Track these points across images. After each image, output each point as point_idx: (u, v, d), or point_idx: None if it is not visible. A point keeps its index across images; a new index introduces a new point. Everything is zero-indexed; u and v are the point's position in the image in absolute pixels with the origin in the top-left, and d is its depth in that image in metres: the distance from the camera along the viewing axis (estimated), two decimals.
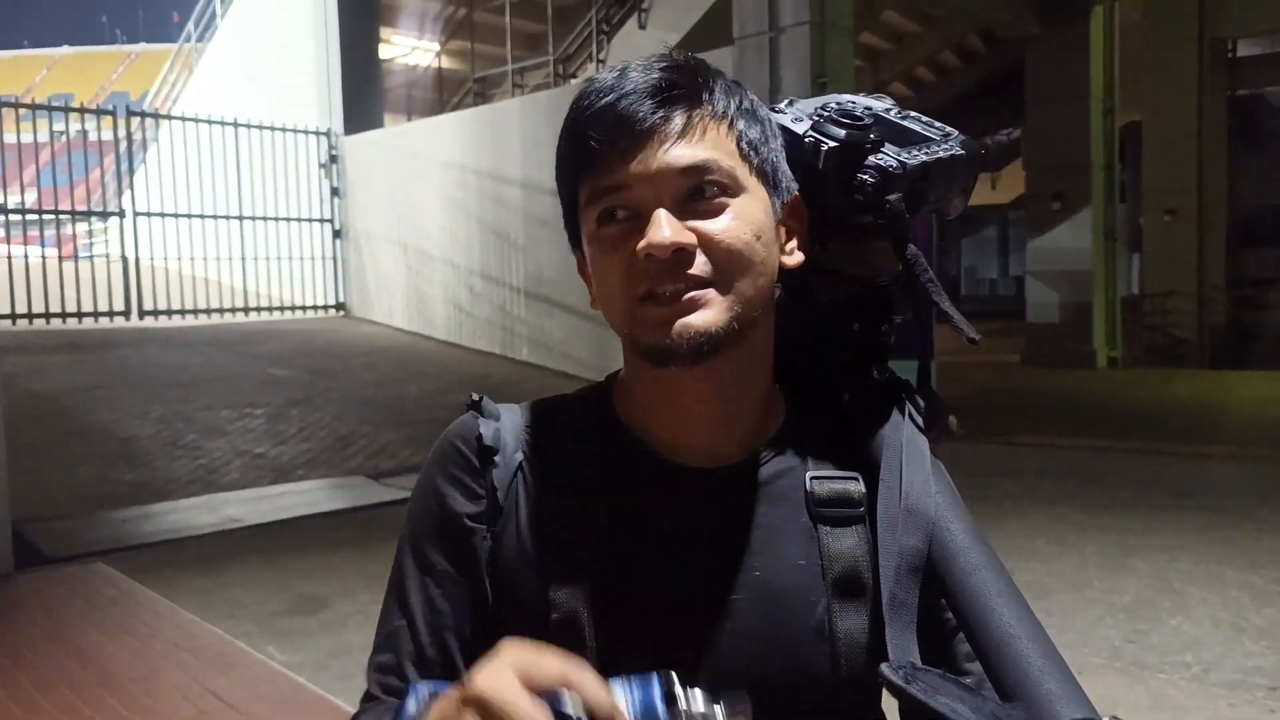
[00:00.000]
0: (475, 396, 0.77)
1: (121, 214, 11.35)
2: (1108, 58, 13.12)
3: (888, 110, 0.80)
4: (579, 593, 0.68)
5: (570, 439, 0.75)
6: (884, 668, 0.59)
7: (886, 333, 0.80)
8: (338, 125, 12.35)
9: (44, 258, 10.87)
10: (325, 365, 9.47)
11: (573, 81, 12.23)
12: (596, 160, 0.69)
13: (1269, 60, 16.92)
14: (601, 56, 12.15)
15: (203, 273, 11.88)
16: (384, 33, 14.84)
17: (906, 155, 0.73)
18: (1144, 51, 14.84)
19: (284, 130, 11.90)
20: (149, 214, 11.32)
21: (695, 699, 0.52)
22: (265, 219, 11.87)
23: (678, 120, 0.68)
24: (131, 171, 11.61)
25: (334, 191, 12.43)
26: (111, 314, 10.69)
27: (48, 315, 10.11)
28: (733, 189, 0.69)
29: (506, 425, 0.76)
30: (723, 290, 0.68)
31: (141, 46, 56.94)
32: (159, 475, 6.27)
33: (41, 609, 4.10)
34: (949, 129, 0.78)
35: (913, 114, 0.80)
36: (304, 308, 12.25)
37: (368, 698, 0.74)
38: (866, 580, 0.70)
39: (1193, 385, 11.12)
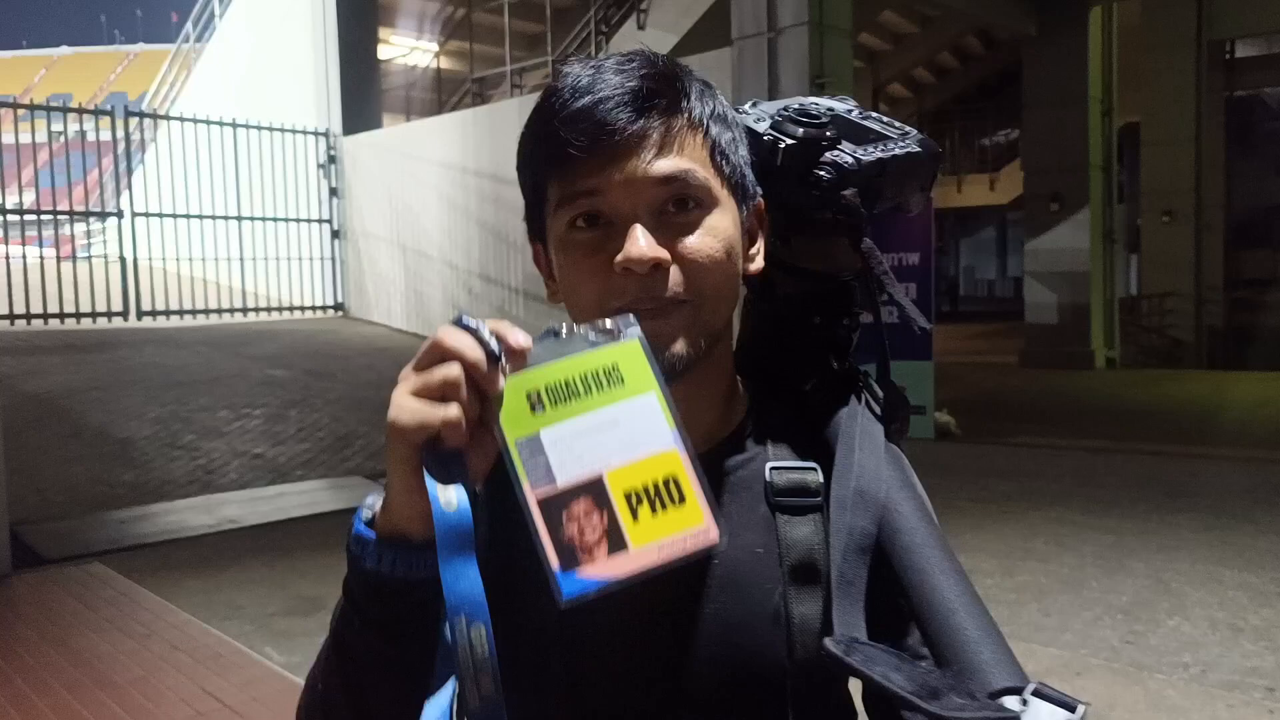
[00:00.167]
0: None
1: (120, 214, 11.34)
2: (1105, 59, 13.14)
3: (849, 111, 0.81)
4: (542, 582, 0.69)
5: None
6: (826, 642, 0.61)
7: (847, 326, 0.81)
8: (336, 126, 12.35)
9: (42, 258, 10.87)
10: (324, 366, 9.47)
11: None
12: (571, 163, 0.68)
13: (1267, 61, 16.95)
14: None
15: (201, 273, 11.88)
16: (382, 33, 14.84)
17: (863, 152, 0.75)
18: (1142, 53, 14.86)
19: (282, 131, 11.90)
20: (147, 214, 11.31)
21: (580, 326, 0.59)
22: (264, 219, 11.87)
23: (657, 130, 0.69)
24: (130, 172, 11.60)
25: (332, 192, 12.43)
26: (110, 314, 10.68)
27: (46, 316, 10.11)
28: (707, 202, 0.70)
29: None
30: (695, 309, 0.69)
31: (140, 47, 56.93)
32: (157, 476, 6.27)
33: (38, 610, 4.10)
34: (908, 128, 0.80)
35: (873, 114, 0.81)
36: (302, 308, 12.24)
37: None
38: (822, 567, 0.71)
39: (1190, 386, 11.14)
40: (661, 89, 0.69)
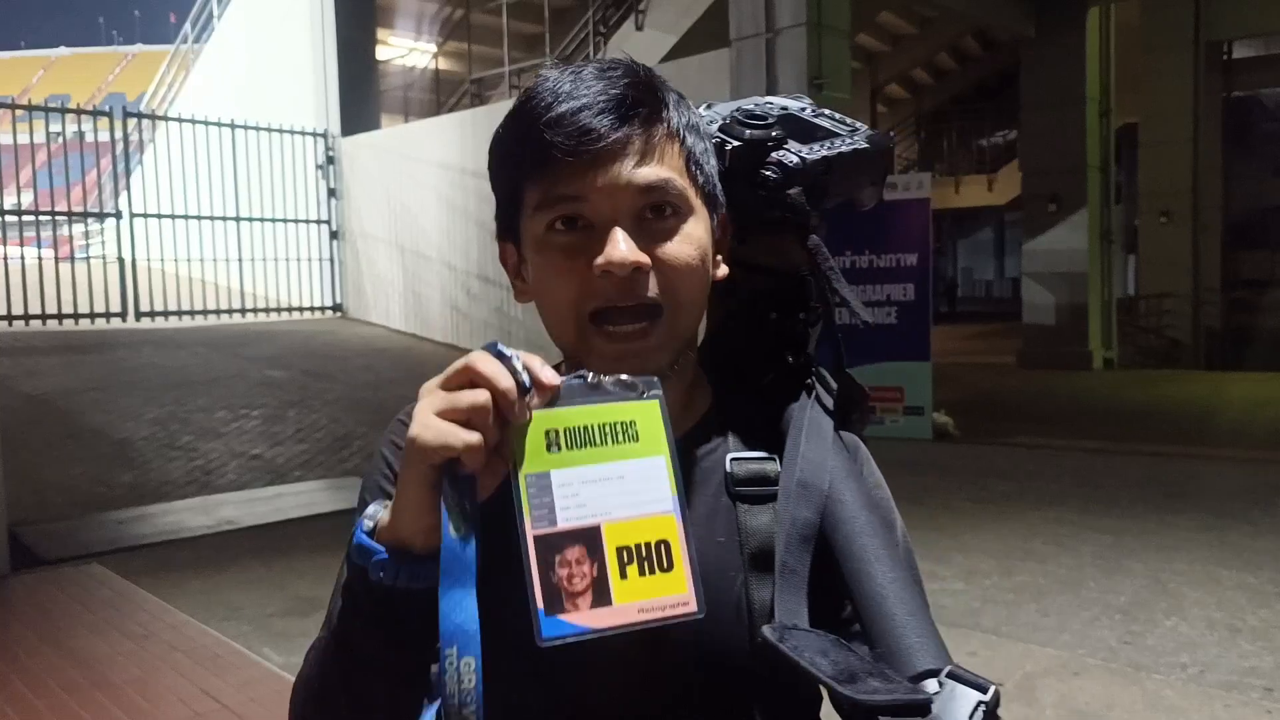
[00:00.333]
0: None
1: (118, 215, 11.33)
2: (1103, 60, 13.15)
3: (802, 109, 0.83)
4: (511, 573, 0.70)
5: None
6: (764, 629, 0.64)
7: (803, 321, 0.83)
8: (335, 126, 12.35)
9: (40, 259, 10.85)
10: (322, 367, 9.47)
11: None
12: (552, 167, 0.69)
13: (1264, 62, 16.97)
14: (599, 58, 12.15)
15: (199, 274, 11.88)
16: (381, 34, 14.83)
17: (808, 151, 0.77)
18: (1140, 54, 14.88)
19: (281, 131, 11.90)
20: (146, 215, 11.30)
21: (608, 377, 0.61)
22: (262, 220, 11.86)
23: (639, 137, 0.70)
24: (128, 173, 11.59)
25: (331, 193, 12.42)
26: (108, 315, 10.67)
27: (44, 316, 10.10)
28: (684, 210, 0.72)
29: None
30: (670, 316, 0.71)
31: (138, 48, 56.94)
32: (155, 477, 6.26)
33: (36, 610, 4.10)
34: (858, 124, 0.82)
35: (825, 111, 0.83)
36: (301, 309, 12.23)
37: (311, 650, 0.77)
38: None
39: (1188, 387, 11.15)
40: (643, 98, 0.71)
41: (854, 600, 0.68)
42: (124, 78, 52.53)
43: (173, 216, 11.35)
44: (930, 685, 0.61)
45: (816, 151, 0.77)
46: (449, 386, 0.60)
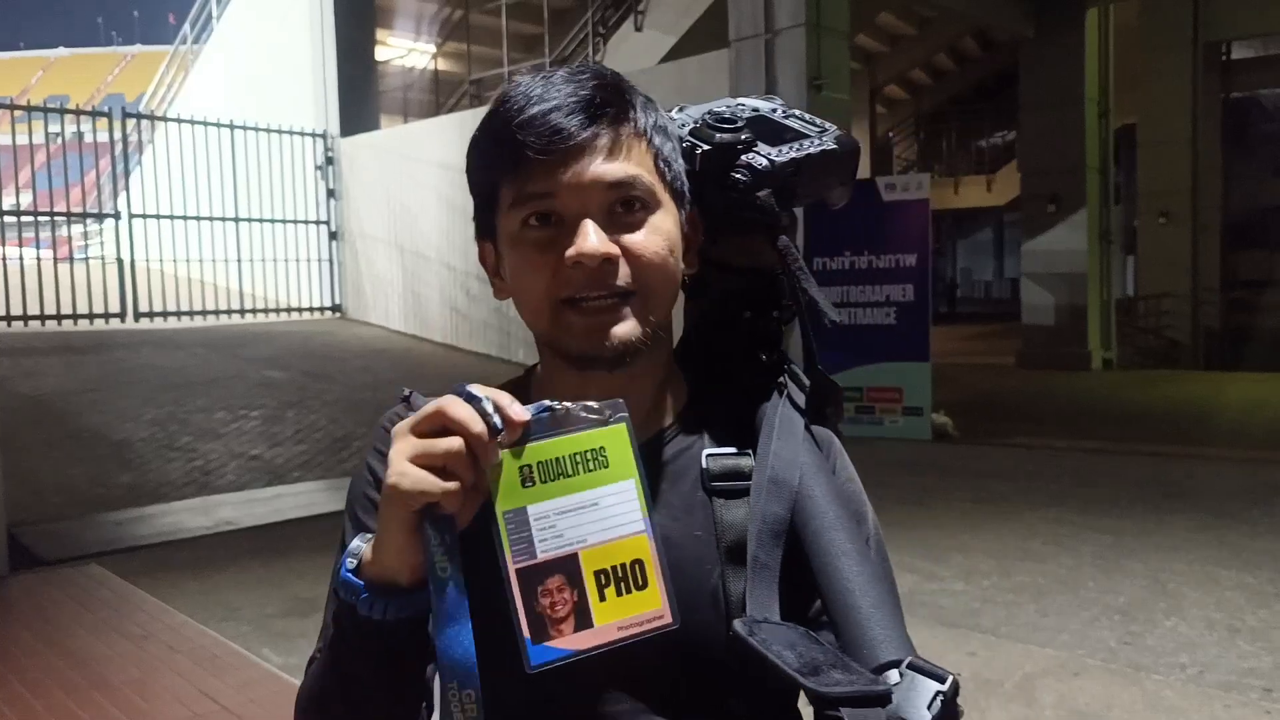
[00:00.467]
0: (406, 391, 0.81)
1: (117, 216, 11.32)
2: (1102, 60, 13.16)
3: (773, 110, 0.85)
4: (493, 596, 0.72)
5: None
6: (735, 623, 0.66)
7: (776, 319, 0.85)
8: (334, 127, 12.35)
9: (39, 259, 10.83)
10: (321, 367, 9.46)
11: None
12: (525, 166, 0.72)
13: (1263, 63, 16.98)
14: (598, 59, 12.16)
15: (198, 275, 11.87)
16: (380, 35, 14.83)
17: (777, 153, 0.79)
18: (1138, 54, 14.88)
19: (280, 132, 11.90)
20: (145, 216, 11.30)
21: (573, 405, 0.64)
22: (261, 221, 11.86)
23: (606, 135, 0.73)
24: (127, 173, 11.58)
25: (330, 193, 12.42)
26: (107, 316, 10.66)
27: (43, 317, 10.09)
28: (652, 204, 0.75)
29: None
30: (641, 300, 0.74)
31: (137, 48, 56.88)
32: (154, 477, 6.26)
33: (35, 611, 4.09)
34: (828, 125, 0.84)
35: (795, 113, 0.85)
36: (300, 310, 12.23)
37: (313, 659, 0.79)
38: None
39: (1187, 387, 11.16)
40: (610, 99, 0.74)
41: (821, 593, 0.71)
42: (123, 78, 52.50)
43: (172, 217, 11.34)
44: (892, 676, 0.63)
45: (785, 154, 0.79)
46: (421, 431, 0.62)
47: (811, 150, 0.80)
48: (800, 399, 0.81)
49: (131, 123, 11.73)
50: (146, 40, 61.90)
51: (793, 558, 0.72)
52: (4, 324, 9.85)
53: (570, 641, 0.60)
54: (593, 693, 0.73)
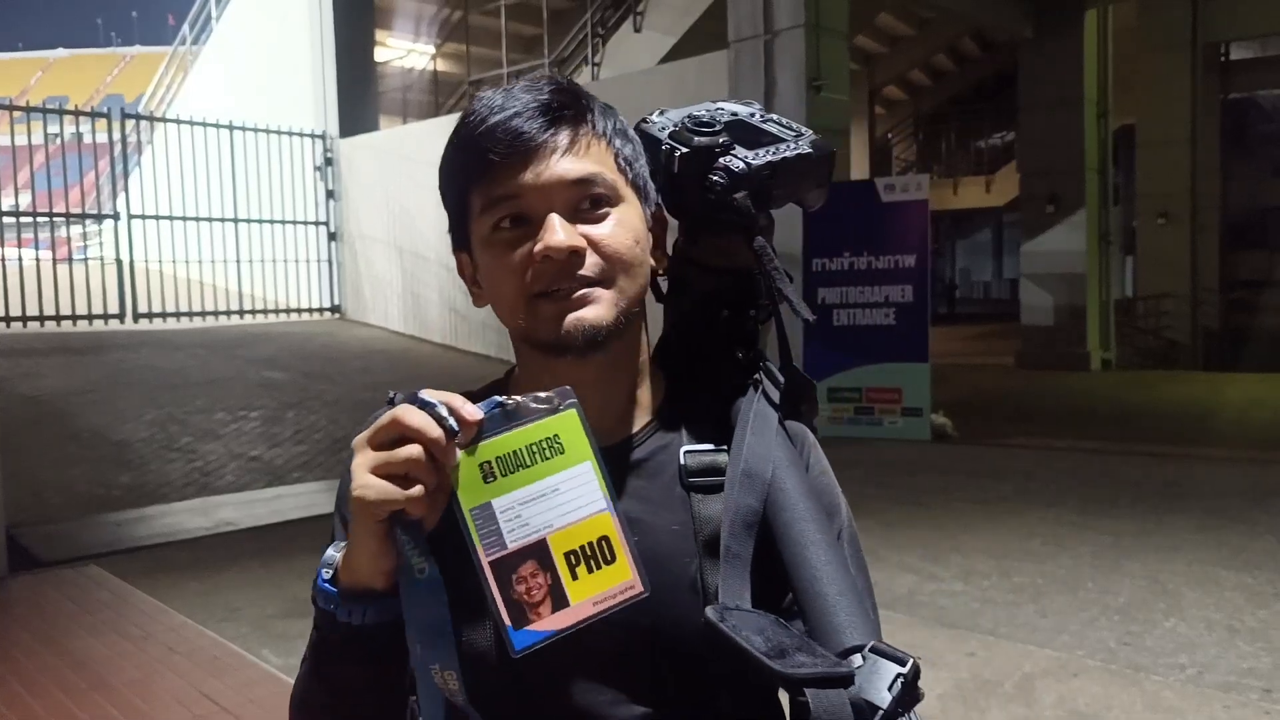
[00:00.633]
0: (391, 394, 0.82)
1: (116, 217, 11.32)
2: (1101, 61, 13.17)
3: (751, 114, 0.88)
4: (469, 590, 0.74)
5: None
6: (707, 610, 0.68)
7: (753, 318, 0.88)
8: (333, 128, 12.35)
9: (39, 260, 10.83)
10: (320, 368, 9.46)
11: None
12: (491, 171, 0.76)
13: (1262, 63, 17.01)
14: (597, 59, 12.16)
15: (198, 275, 11.86)
16: (379, 35, 14.83)
17: (753, 156, 0.81)
18: (1137, 55, 14.90)
19: (279, 133, 11.89)
20: (144, 217, 11.30)
21: (523, 398, 0.66)
22: (260, 222, 11.86)
23: (565, 137, 0.76)
24: (126, 174, 11.58)
25: (329, 194, 12.42)
26: (106, 317, 10.66)
27: (42, 318, 10.08)
28: (614, 199, 0.78)
29: None
30: (609, 288, 0.77)
31: (136, 49, 56.83)
32: (153, 478, 6.26)
33: (34, 612, 4.09)
34: (804, 130, 0.86)
35: (773, 117, 0.88)
36: (299, 310, 12.23)
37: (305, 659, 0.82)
38: None
39: (1186, 387, 11.16)
40: (568, 103, 0.78)
41: (791, 582, 0.73)
42: (122, 79, 52.47)
43: (171, 218, 11.34)
44: (855, 659, 0.66)
45: (761, 157, 0.81)
46: (379, 442, 0.65)
47: (787, 154, 0.82)
48: (775, 395, 0.83)
49: (131, 123, 11.73)
50: (146, 41, 61.96)
51: (765, 551, 0.74)
52: (3, 325, 9.85)
53: (550, 622, 0.63)
54: (575, 684, 0.75)
